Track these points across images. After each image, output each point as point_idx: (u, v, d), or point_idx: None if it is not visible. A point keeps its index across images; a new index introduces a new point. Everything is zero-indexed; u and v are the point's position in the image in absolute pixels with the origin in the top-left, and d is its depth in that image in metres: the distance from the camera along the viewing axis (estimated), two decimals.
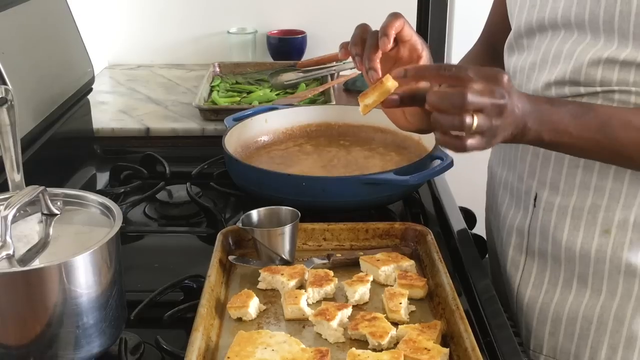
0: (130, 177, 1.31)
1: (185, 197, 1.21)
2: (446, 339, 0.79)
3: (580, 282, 0.92)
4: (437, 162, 1.11)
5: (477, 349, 0.73)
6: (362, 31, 0.88)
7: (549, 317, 0.95)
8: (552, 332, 0.95)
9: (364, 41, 0.86)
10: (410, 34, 0.88)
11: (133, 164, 1.34)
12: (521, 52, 0.99)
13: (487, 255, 1.19)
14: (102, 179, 1.36)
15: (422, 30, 1.84)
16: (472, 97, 0.75)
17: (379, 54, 0.85)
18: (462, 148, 0.77)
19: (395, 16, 0.86)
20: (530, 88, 0.94)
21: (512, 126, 0.78)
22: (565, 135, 0.81)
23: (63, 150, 1.30)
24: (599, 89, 0.86)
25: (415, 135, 1.29)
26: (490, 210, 1.15)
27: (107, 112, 1.64)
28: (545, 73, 0.92)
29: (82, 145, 1.46)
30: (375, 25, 0.89)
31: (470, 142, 0.77)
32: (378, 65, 0.84)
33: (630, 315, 0.89)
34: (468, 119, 0.75)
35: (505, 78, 0.77)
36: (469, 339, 0.75)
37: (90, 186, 1.32)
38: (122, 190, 1.24)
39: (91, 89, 1.47)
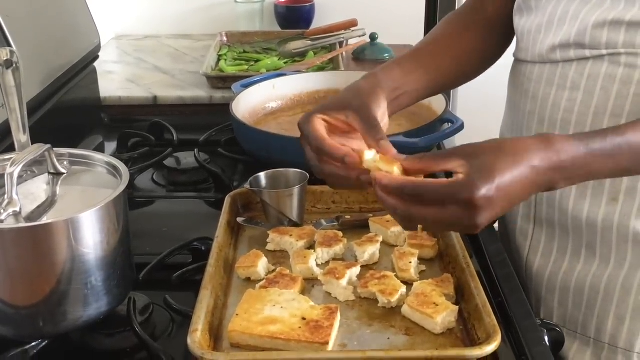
0: (138, 145, 1.31)
1: (193, 163, 1.21)
2: (457, 297, 0.79)
3: (588, 251, 0.91)
4: (447, 125, 1.09)
5: (488, 305, 0.73)
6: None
7: (557, 287, 0.94)
8: (561, 302, 0.94)
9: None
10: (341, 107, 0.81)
11: (141, 132, 1.34)
12: (530, 14, 0.96)
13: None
14: (110, 147, 1.35)
15: (430, 17, 1.80)
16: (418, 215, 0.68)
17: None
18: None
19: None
20: (535, 51, 0.92)
21: (508, 200, 0.68)
22: (599, 175, 0.76)
23: (69, 117, 1.30)
24: (604, 51, 0.84)
25: (426, 101, 1.27)
26: None
27: (115, 81, 1.63)
28: (550, 35, 0.89)
29: (89, 114, 1.45)
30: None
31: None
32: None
33: (638, 285, 0.87)
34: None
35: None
36: (480, 296, 0.74)
37: None
38: (130, 155, 1.24)
39: (97, 57, 1.47)
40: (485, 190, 0.65)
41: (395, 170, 0.71)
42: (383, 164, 0.72)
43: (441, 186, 0.67)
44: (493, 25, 1.01)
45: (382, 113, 0.83)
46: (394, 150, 0.75)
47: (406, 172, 0.72)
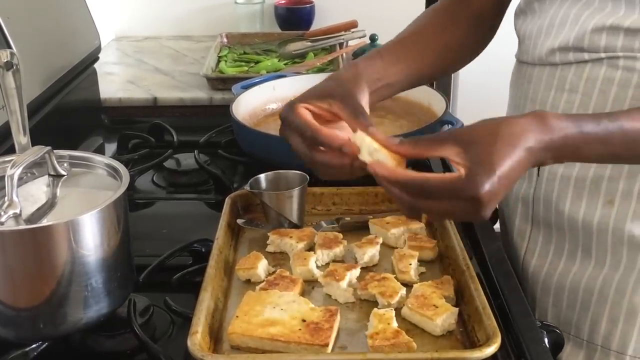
0: (138, 146, 1.31)
1: (193, 165, 1.21)
2: (457, 299, 0.79)
3: (584, 253, 0.91)
4: (448, 126, 1.09)
5: (487, 307, 0.73)
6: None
7: (552, 287, 0.94)
8: (555, 303, 0.94)
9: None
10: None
11: (141, 133, 1.34)
12: (532, 16, 0.96)
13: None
14: (110, 148, 1.35)
15: None
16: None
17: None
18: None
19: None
20: (535, 53, 0.92)
21: (509, 185, 0.69)
22: (587, 158, 0.76)
23: (70, 119, 1.30)
24: (603, 55, 0.84)
25: (425, 102, 1.27)
26: None
27: (115, 82, 1.63)
28: (550, 38, 0.90)
29: (89, 115, 1.45)
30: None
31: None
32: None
33: (632, 288, 0.87)
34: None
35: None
36: (479, 298, 0.74)
37: None
38: (130, 157, 1.24)
39: (97, 58, 1.47)
40: (489, 186, 0.66)
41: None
42: (380, 154, 0.71)
43: (445, 183, 0.67)
44: (477, 19, 0.99)
45: (365, 102, 0.82)
46: (382, 135, 0.74)
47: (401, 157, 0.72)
